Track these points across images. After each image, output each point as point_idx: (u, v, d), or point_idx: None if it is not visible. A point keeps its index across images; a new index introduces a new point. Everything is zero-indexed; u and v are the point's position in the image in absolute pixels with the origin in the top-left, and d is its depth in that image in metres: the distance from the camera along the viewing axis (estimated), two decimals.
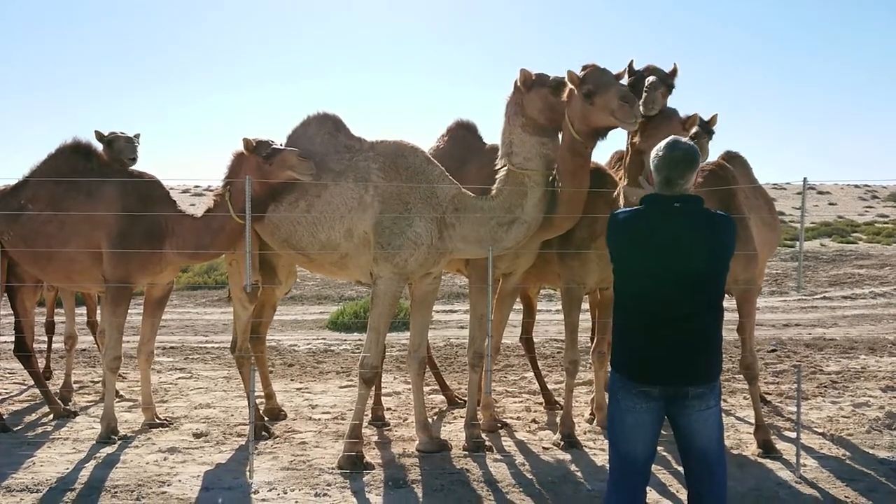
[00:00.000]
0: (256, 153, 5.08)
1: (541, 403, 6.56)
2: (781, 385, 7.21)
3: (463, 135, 5.92)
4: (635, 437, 3.20)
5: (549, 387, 6.76)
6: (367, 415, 5.98)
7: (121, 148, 6.14)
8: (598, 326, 5.79)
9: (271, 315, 5.95)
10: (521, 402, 6.67)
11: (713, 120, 5.50)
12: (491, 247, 4.86)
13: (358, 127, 5.30)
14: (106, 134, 6.17)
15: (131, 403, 6.55)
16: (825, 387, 7.09)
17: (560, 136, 4.80)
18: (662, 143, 3.24)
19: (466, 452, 5.22)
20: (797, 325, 10.93)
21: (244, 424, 5.91)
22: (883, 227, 25.61)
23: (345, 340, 10.12)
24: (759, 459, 5.08)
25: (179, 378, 7.65)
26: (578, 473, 4.86)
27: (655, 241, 3.13)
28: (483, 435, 5.44)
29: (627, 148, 4.83)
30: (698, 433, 3.20)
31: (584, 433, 5.68)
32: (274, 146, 5.07)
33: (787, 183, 40.08)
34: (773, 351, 8.80)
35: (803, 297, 13.57)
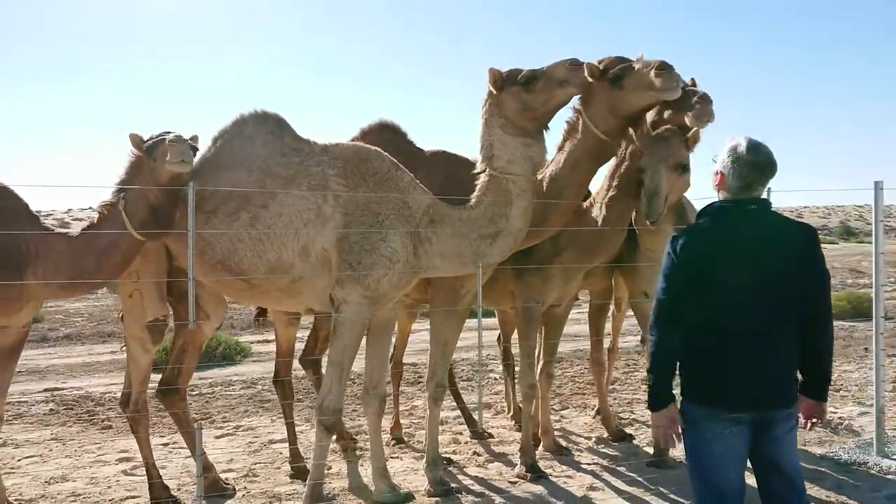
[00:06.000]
0: (147, 152, 3.96)
1: (461, 433, 6.07)
2: None
3: (389, 137, 5.13)
4: (728, 466, 2.92)
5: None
6: (291, 472, 5.08)
7: None
8: (544, 347, 5.44)
9: (195, 359, 4.73)
10: (441, 433, 6.08)
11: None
12: (478, 263, 4.29)
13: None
14: None
15: None
16: None
17: (546, 137, 4.36)
18: (742, 145, 2.96)
19: (435, 499, 4.56)
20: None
21: (132, 497, 4.67)
22: None
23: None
24: None
25: None
26: None
27: (743, 252, 2.84)
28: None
29: (620, 161, 4.64)
30: (786, 456, 2.99)
31: (538, 461, 5.27)
32: (156, 139, 3.93)
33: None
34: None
35: None
